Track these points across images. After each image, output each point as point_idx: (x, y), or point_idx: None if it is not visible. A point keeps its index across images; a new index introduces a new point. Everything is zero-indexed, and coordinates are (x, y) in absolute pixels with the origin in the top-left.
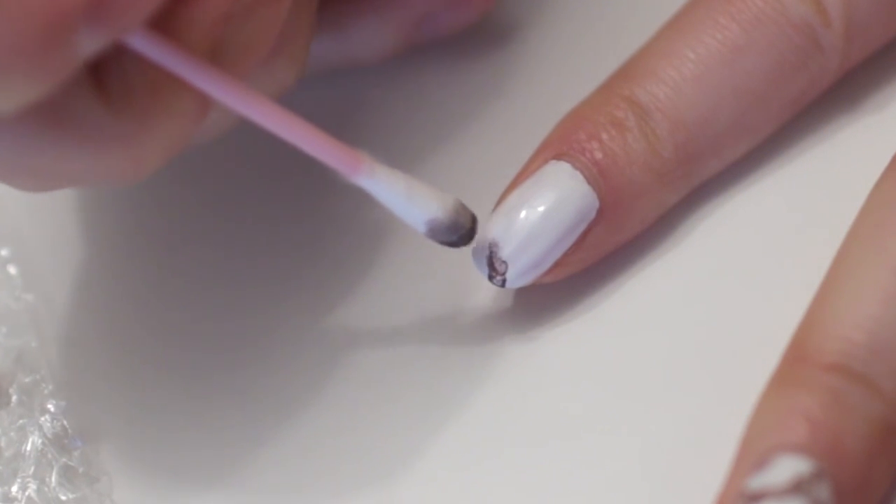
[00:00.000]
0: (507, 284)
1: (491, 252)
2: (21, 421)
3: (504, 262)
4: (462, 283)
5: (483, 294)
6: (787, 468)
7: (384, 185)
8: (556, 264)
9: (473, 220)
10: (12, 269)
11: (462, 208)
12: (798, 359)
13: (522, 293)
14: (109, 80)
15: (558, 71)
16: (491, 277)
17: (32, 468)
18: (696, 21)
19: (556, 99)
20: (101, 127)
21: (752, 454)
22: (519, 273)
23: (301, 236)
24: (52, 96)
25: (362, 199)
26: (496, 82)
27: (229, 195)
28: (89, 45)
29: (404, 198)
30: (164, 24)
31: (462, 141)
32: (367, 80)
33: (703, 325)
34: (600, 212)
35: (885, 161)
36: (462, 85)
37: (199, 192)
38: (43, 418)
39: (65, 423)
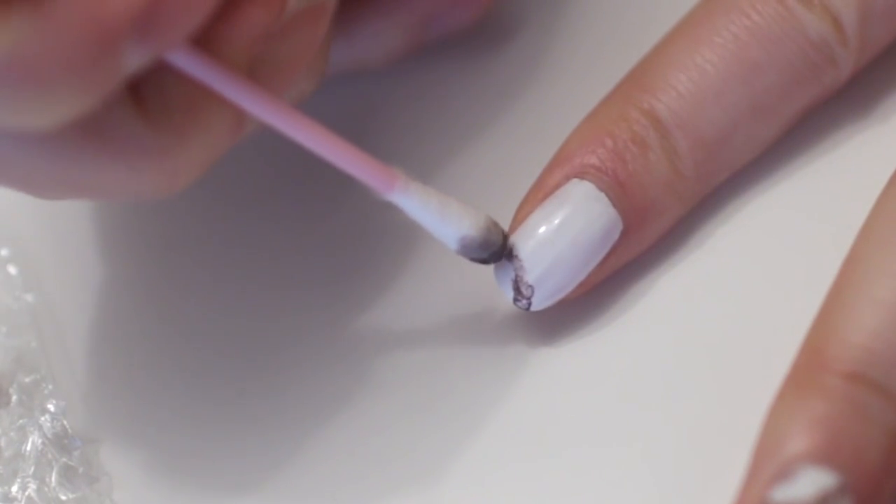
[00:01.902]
0: (532, 308)
1: (517, 276)
2: (21, 421)
3: (531, 287)
4: (480, 288)
5: (500, 300)
6: (812, 481)
7: (417, 202)
8: (579, 285)
9: (504, 237)
10: (12, 269)
11: (494, 226)
12: (816, 365)
13: None
14: (147, 94)
15: (565, 70)
16: (516, 300)
17: (32, 468)
18: (713, 33)
19: (564, 99)
20: (138, 141)
21: (773, 462)
22: (545, 297)
23: (315, 239)
24: (93, 110)
25: (382, 206)
26: (502, 84)
27: (234, 196)
28: (134, 61)
29: (437, 215)
30: (203, 40)
31: (469, 143)
32: (372, 84)
33: (720, 332)
34: (623, 232)
35: (893, 168)
36: (468, 87)
37: (204, 193)
38: (43, 418)
39: (65, 423)
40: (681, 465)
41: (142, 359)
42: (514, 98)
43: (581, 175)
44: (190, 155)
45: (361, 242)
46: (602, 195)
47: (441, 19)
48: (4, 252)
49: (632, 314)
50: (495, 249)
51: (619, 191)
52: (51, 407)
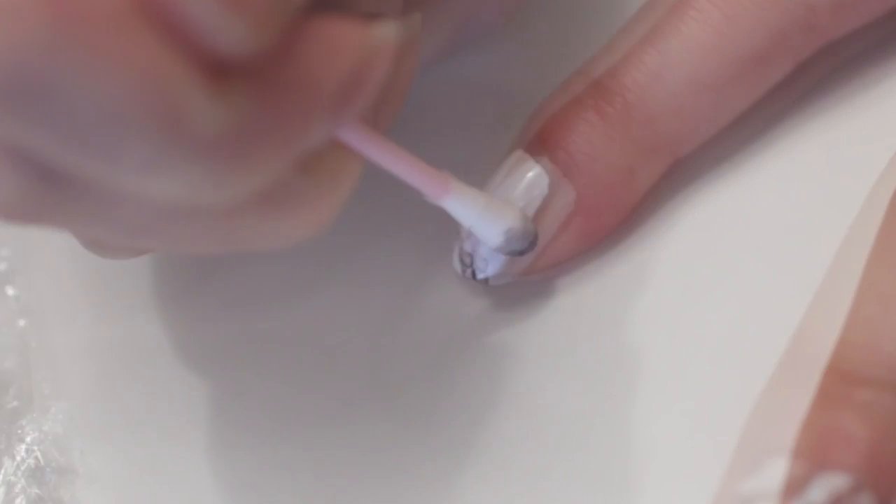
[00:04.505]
0: (479, 276)
1: (459, 249)
2: None
3: (469, 255)
4: (474, 288)
5: (493, 299)
6: (824, 485)
7: (466, 203)
8: (542, 257)
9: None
10: (9, 273)
11: (526, 216)
12: (813, 364)
13: (525, 289)
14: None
15: (560, 69)
16: (463, 273)
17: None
18: (679, 6)
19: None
20: (300, 193)
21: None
22: (487, 266)
23: (311, 243)
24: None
25: (372, 212)
26: (497, 81)
27: None
28: (321, 135)
29: (484, 212)
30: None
31: (463, 141)
32: None
33: (717, 330)
34: (578, 203)
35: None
36: (463, 85)
37: None
38: (17, 448)
39: (38, 455)
40: (679, 463)
41: (143, 360)
42: (508, 96)
43: (533, 153)
44: (339, 200)
45: (354, 247)
46: (553, 167)
47: (477, 21)
48: (4, 251)
49: (629, 312)
50: (532, 238)
51: (569, 161)
52: (27, 438)
